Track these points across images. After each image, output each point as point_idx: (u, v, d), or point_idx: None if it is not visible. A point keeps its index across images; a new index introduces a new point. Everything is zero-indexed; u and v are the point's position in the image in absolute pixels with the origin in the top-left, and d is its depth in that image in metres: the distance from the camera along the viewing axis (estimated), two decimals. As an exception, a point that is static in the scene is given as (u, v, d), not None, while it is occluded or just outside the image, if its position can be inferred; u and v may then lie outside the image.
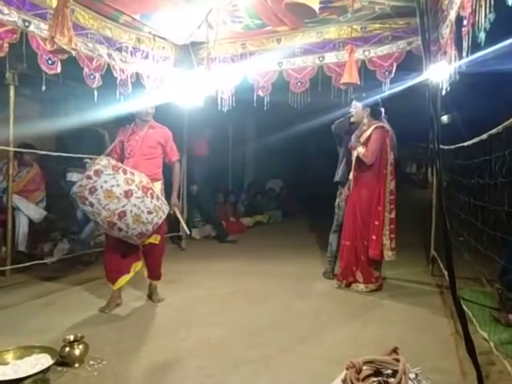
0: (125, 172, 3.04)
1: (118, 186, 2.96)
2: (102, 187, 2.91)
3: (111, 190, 2.93)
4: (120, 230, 3.01)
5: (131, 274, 3.40)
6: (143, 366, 2.41)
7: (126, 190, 2.98)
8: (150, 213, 3.07)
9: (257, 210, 8.16)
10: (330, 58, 4.17)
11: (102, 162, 3.00)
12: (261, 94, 4.50)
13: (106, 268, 3.35)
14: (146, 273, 3.54)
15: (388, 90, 3.99)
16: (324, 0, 3.35)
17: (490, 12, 1.97)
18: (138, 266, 3.45)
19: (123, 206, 2.95)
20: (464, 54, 2.39)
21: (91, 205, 2.93)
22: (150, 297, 3.60)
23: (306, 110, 4.76)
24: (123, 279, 3.35)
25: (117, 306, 3.33)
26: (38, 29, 3.23)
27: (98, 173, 2.94)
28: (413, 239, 5.89)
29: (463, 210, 3.25)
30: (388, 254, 3.76)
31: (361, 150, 3.74)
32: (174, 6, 3.57)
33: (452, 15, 2.71)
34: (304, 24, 4.08)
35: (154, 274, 3.56)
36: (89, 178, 2.92)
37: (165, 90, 4.59)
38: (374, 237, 3.75)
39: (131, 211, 2.97)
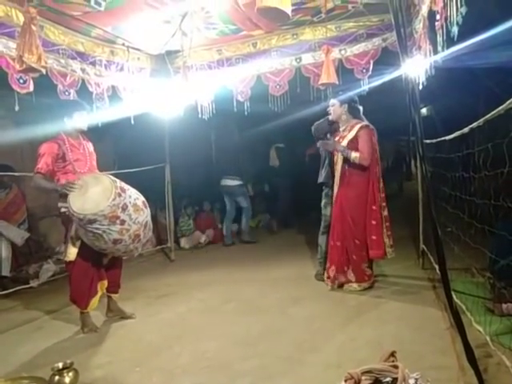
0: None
1: (137, 198, 3.07)
2: (130, 202, 2.96)
3: (136, 203, 3.02)
4: (139, 241, 3.06)
5: (100, 293, 3.29)
6: (137, 389, 2.34)
7: (143, 201, 3.12)
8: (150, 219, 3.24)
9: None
10: (307, 59, 4.16)
11: (115, 178, 3.01)
12: (240, 99, 4.46)
13: (76, 291, 3.18)
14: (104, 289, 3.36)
15: (366, 86, 3.99)
16: (297, 2, 3.34)
17: (461, 6, 1.96)
18: (104, 284, 3.32)
19: (146, 217, 3.09)
20: (439, 48, 2.39)
21: (122, 223, 2.88)
22: (122, 317, 3.45)
23: (287, 112, 4.74)
24: (95, 300, 3.25)
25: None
26: (7, 48, 3.13)
27: (123, 189, 2.97)
28: (402, 233, 5.88)
29: (449, 203, 3.25)
30: (389, 252, 3.78)
31: (355, 155, 3.66)
32: (144, 15, 3.51)
33: (424, 10, 2.71)
34: (279, 27, 4.06)
35: (117, 284, 3.46)
36: (119, 195, 2.89)
37: (143, 101, 4.53)
38: (373, 237, 3.72)
39: (149, 220, 3.15)
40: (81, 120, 3.30)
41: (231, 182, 6.55)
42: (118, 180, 3.04)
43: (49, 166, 3.14)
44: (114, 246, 2.96)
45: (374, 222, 3.73)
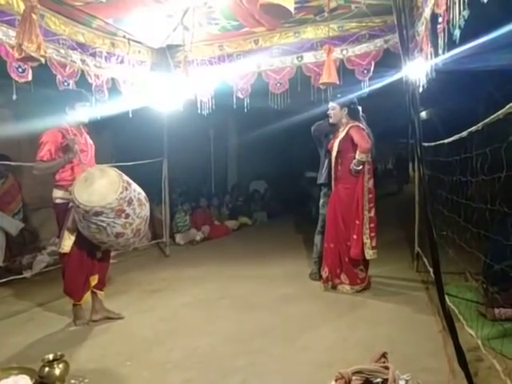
0: None
1: (140, 193, 3.08)
2: (135, 197, 2.97)
3: (139, 197, 3.03)
4: (139, 235, 3.08)
5: (90, 288, 3.24)
6: (127, 383, 2.33)
7: (144, 196, 3.12)
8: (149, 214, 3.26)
9: (242, 213, 8.09)
10: (309, 58, 4.14)
11: (120, 172, 3.01)
12: (240, 95, 4.45)
13: (71, 284, 3.13)
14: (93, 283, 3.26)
15: (367, 88, 3.98)
16: (300, 0, 3.32)
17: (464, 9, 1.96)
18: (95, 279, 3.24)
19: (147, 211, 3.12)
20: (440, 51, 2.39)
21: (127, 216, 2.89)
22: (108, 317, 3.27)
23: (287, 110, 4.73)
24: (89, 293, 3.22)
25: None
26: (6, 36, 3.10)
27: (129, 183, 2.99)
28: (397, 235, 5.92)
29: (445, 206, 3.26)
30: (369, 253, 3.73)
31: (358, 155, 3.65)
32: (146, 8, 3.49)
33: (427, 12, 2.70)
34: (281, 24, 4.05)
35: (104, 280, 3.38)
36: (126, 189, 2.90)
37: (142, 95, 4.51)
38: (354, 236, 3.74)
39: (149, 215, 3.17)
40: (83, 111, 3.23)
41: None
42: (122, 173, 3.03)
43: (52, 155, 3.04)
44: (115, 240, 2.95)
45: (357, 222, 3.74)
